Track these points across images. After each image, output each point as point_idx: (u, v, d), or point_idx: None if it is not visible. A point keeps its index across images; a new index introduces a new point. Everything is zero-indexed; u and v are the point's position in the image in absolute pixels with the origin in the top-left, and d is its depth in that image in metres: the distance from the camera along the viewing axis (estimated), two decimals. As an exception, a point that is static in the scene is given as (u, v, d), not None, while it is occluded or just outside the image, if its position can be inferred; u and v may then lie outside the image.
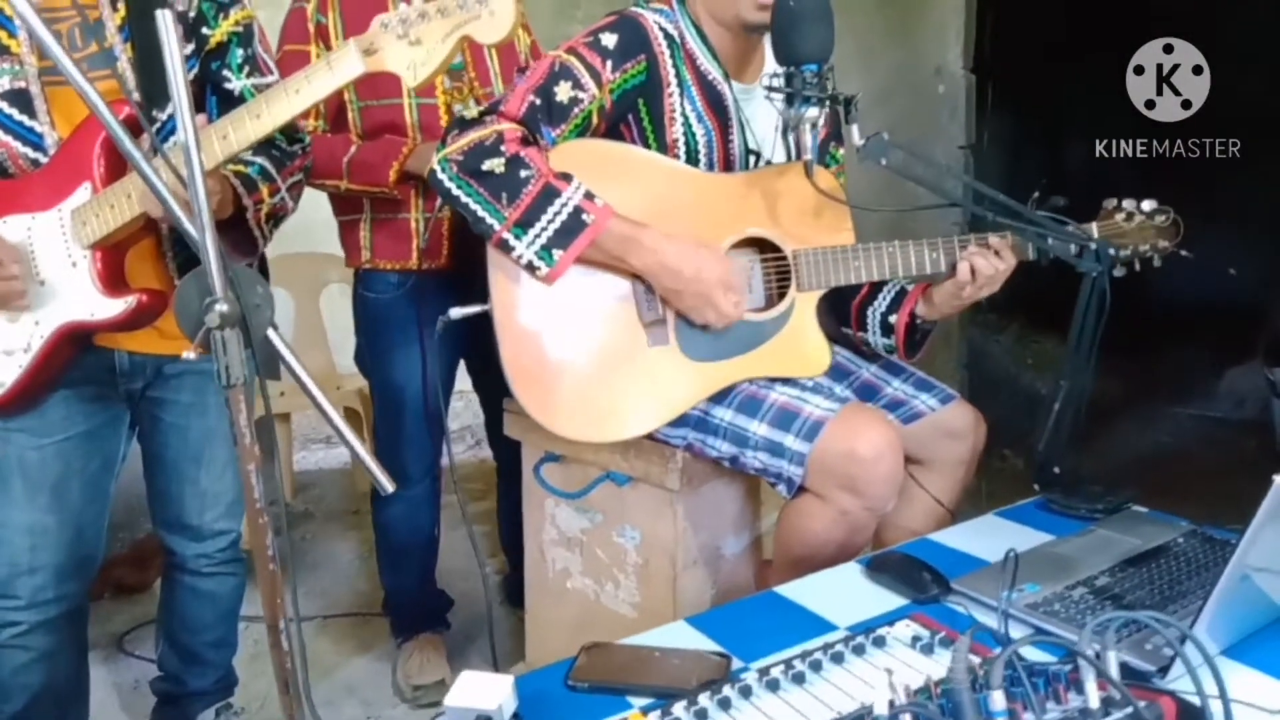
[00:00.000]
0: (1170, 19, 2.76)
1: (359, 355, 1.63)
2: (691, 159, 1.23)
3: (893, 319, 1.29)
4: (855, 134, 1.11)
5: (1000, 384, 2.47)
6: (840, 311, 1.33)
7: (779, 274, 1.23)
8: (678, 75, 1.22)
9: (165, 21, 0.70)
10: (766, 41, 1.20)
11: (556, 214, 1.11)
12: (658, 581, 1.27)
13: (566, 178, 1.13)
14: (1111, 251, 1.14)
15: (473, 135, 1.11)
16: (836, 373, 1.33)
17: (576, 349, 1.18)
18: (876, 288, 1.30)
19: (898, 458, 1.12)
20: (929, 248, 1.19)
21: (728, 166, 1.25)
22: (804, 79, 1.07)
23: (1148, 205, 1.22)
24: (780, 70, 1.10)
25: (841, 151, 1.39)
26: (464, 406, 2.62)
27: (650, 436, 1.23)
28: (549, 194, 1.10)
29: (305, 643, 0.79)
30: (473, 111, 1.14)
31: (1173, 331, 2.72)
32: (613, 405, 1.18)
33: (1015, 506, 1.22)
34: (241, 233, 1.09)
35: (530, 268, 1.13)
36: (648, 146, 1.23)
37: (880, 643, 0.83)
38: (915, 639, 0.83)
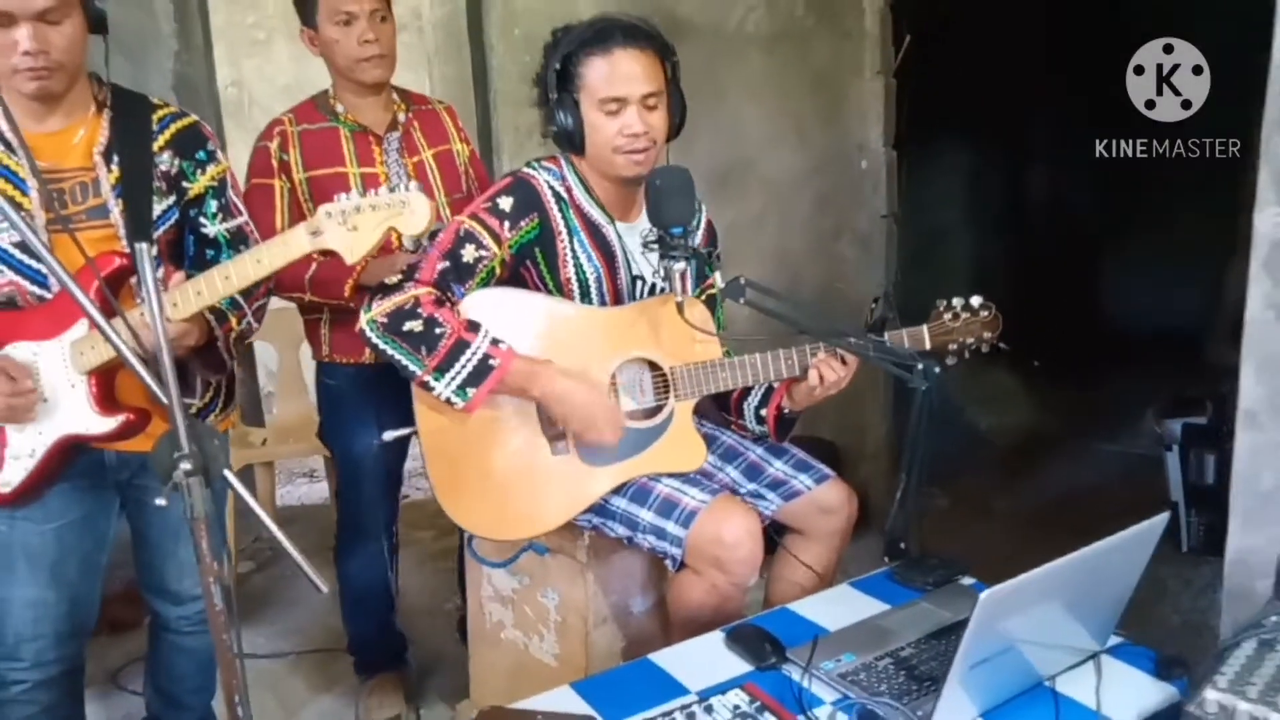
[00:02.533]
0: (1058, 94, 2.98)
1: (322, 429, 1.79)
2: (584, 293, 1.37)
3: (764, 412, 1.43)
4: (718, 279, 1.32)
5: (933, 419, 2.68)
6: (724, 404, 1.50)
7: (663, 384, 1.38)
8: (567, 224, 1.35)
9: (143, 255, 0.90)
10: None
11: (468, 361, 1.25)
12: (573, 637, 1.43)
13: (475, 328, 1.27)
14: (937, 367, 1.33)
15: (395, 299, 1.26)
16: (727, 454, 1.50)
17: (491, 462, 1.32)
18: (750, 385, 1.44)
19: (757, 544, 1.28)
20: (784, 358, 1.34)
21: (617, 295, 1.40)
22: (671, 239, 1.27)
23: (975, 301, 1.37)
24: (653, 232, 1.30)
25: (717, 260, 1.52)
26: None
27: (560, 520, 1.41)
28: (460, 346, 1.25)
29: (278, 679, 0.96)
30: (394, 279, 1.29)
31: (1111, 364, 2.91)
32: (525, 507, 1.33)
33: (868, 577, 1.39)
34: (213, 355, 1.28)
35: (449, 402, 1.27)
36: (545, 286, 1.37)
37: (710, 710, 1.01)
38: (736, 707, 1.02)
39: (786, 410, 1.43)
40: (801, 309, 1.37)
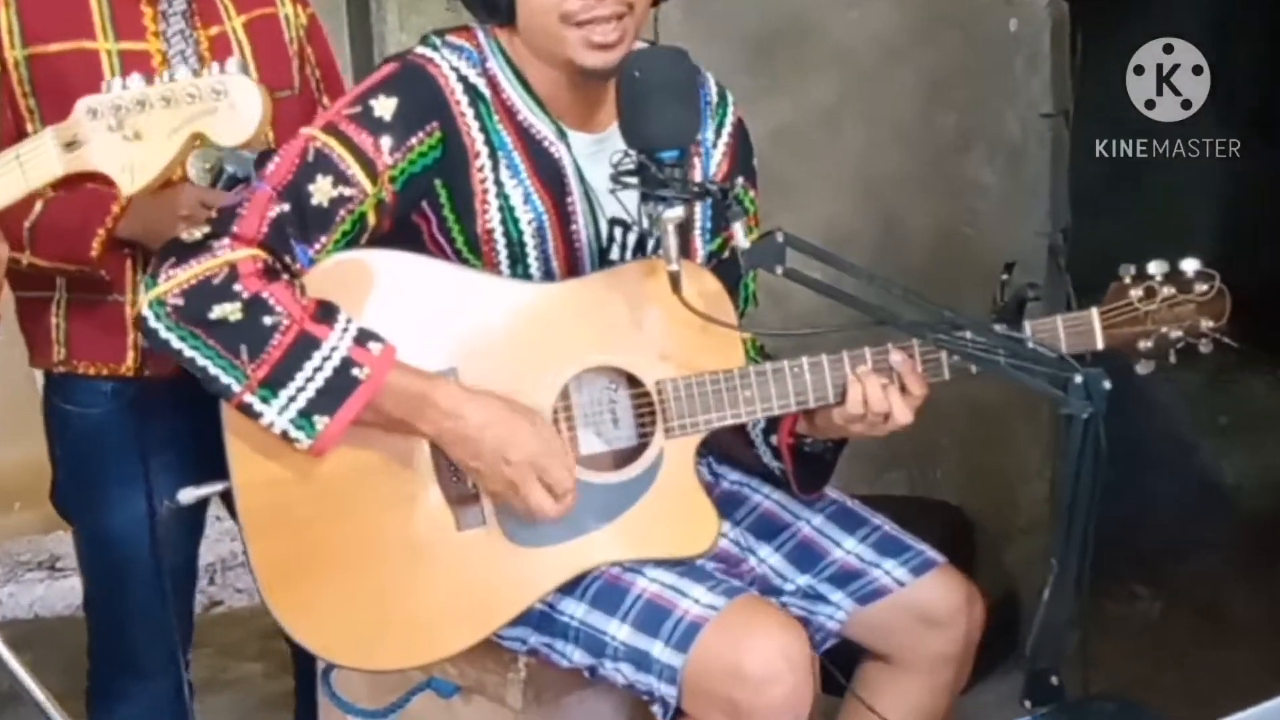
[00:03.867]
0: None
1: (57, 493, 1.75)
2: (517, 256, 1.39)
3: (774, 439, 1.45)
4: (739, 233, 1.29)
5: (1148, 466, 2.66)
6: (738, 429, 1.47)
7: (648, 410, 1.38)
8: (489, 140, 1.37)
9: None
10: None
11: (317, 370, 1.25)
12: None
13: (330, 315, 1.27)
14: (1107, 383, 1.30)
15: (195, 269, 1.24)
16: (762, 525, 1.51)
17: (357, 542, 1.33)
18: None
19: (802, 679, 1.28)
20: (838, 364, 1.35)
21: (571, 259, 1.42)
22: (660, 169, 1.24)
23: (1188, 267, 1.38)
24: (630, 155, 1.27)
25: (752, 194, 1.57)
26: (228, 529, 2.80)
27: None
28: (305, 344, 1.25)
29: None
30: (195, 234, 1.28)
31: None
32: (416, 616, 1.33)
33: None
34: None
35: (286, 439, 1.27)
36: (451, 244, 1.38)
37: None
38: None
39: (806, 442, 1.45)
40: (881, 289, 1.37)
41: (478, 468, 1.32)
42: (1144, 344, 1.40)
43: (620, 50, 1.34)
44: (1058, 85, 2.51)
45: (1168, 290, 1.39)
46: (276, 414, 1.27)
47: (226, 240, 1.28)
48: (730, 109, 1.56)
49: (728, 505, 1.53)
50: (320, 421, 1.27)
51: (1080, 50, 2.55)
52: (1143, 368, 1.42)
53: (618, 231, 1.46)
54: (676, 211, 1.27)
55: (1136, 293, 1.39)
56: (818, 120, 2.49)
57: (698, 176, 1.47)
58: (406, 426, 1.32)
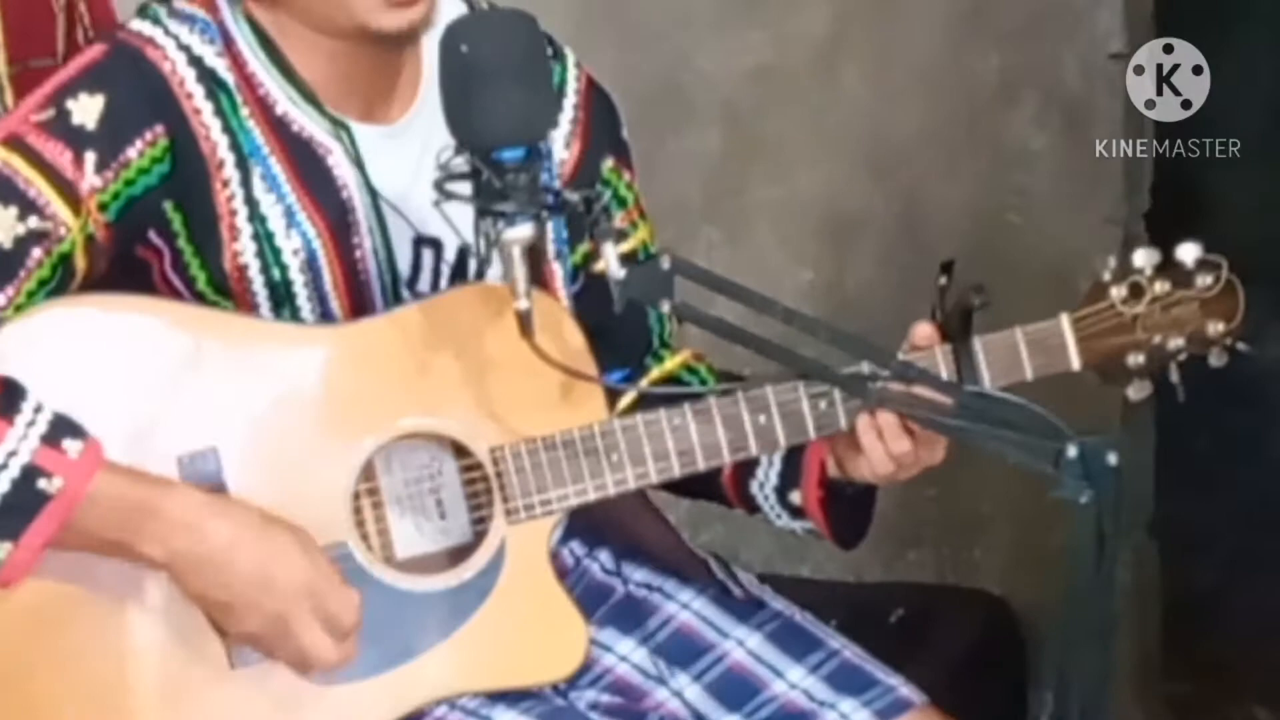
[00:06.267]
0: None
1: None
2: (280, 297, 1.41)
3: (794, 495, 1.50)
4: (612, 259, 1.30)
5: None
6: (709, 484, 1.54)
7: (483, 487, 1.41)
8: (236, 144, 1.39)
9: None
10: (427, 48, 1.39)
11: None
12: None
13: (11, 404, 1.26)
14: (1112, 455, 1.32)
15: None
16: (681, 648, 1.52)
17: (92, 694, 1.34)
18: None
19: None
20: (812, 400, 1.41)
21: (356, 297, 1.44)
22: (498, 176, 1.26)
23: (1187, 255, 1.41)
24: (458, 158, 1.27)
25: (628, 177, 1.60)
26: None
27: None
28: None
29: None
30: None
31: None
32: None
33: None
34: None
35: None
36: (192, 285, 1.39)
37: None
38: None
39: (840, 486, 1.50)
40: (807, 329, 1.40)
41: (226, 601, 1.33)
42: (1133, 359, 1.42)
43: (424, 5, 1.37)
44: (1133, 12, 2.56)
45: (1160, 286, 1.41)
46: None
47: None
48: (571, 69, 1.57)
49: (632, 616, 1.56)
50: (1, 548, 1.28)
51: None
52: (1135, 391, 1.44)
53: (427, 255, 1.49)
54: (523, 230, 1.29)
55: (1119, 292, 1.41)
56: (808, 60, 2.53)
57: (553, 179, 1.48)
58: (124, 550, 1.31)
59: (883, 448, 1.40)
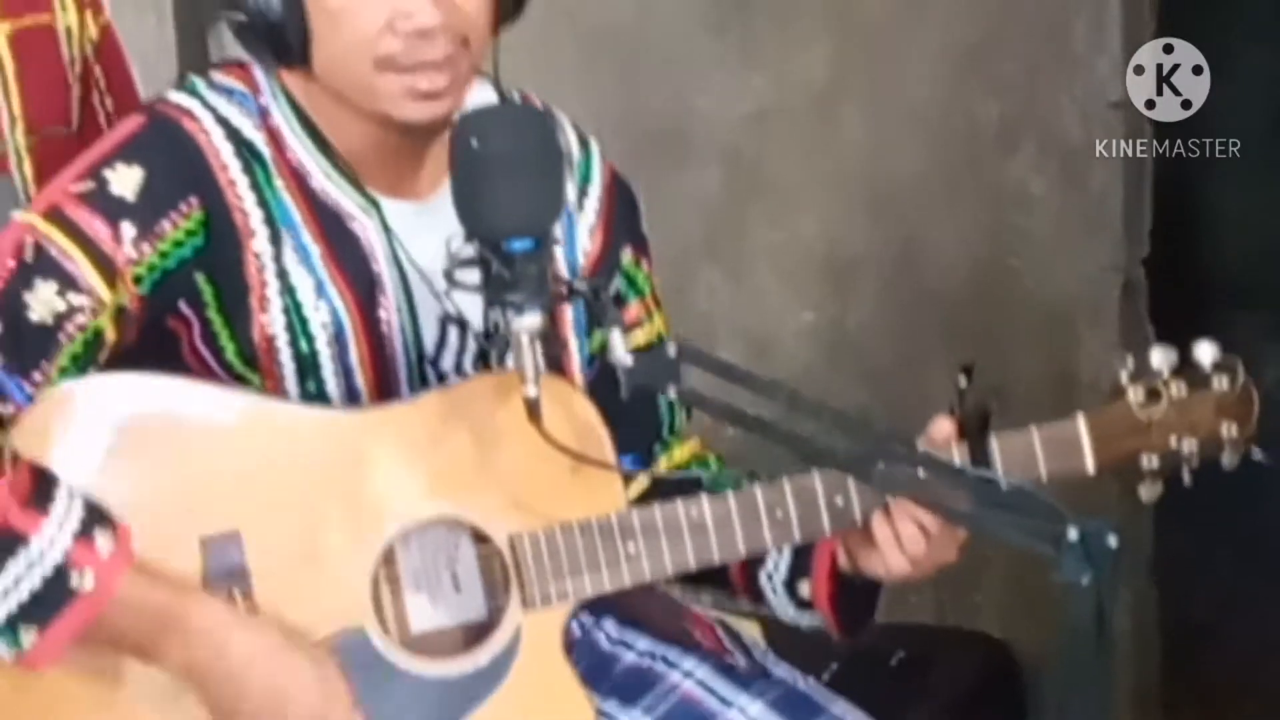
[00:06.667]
0: None
1: None
2: (306, 367, 1.42)
3: (803, 587, 1.51)
4: (618, 345, 1.31)
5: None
6: (709, 574, 1.53)
7: (501, 572, 1.42)
8: (269, 217, 1.41)
9: None
10: None
11: (19, 578, 1.26)
12: None
13: (45, 498, 1.26)
14: (1113, 535, 1.33)
15: None
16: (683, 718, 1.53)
17: None
18: None
19: None
20: (829, 497, 1.41)
21: (382, 372, 1.45)
22: (506, 266, 1.27)
23: (1204, 354, 1.42)
24: (469, 248, 1.28)
25: (646, 269, 1.63)
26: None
27: None
28: (5, 544, 1.25)
29: None
30: None
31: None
32: None
33: None
34: None
35: None
36: (220, 356, 1.40)
37: None
38: None
39: (849, 579, 1.50)
40: (811, 415, 1.41)
41: (236, 711, 1.34)
42: (1147, 461, 1.43)
43: (450, 99, 1.38)
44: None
45: (1177, 390, 1.42)
46: None
47: None
48: (596, 160, 1.59)
49: (633, 688, 1.55)
50: (27, 635, 1.28)
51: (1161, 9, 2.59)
52: (1147, 491, 1.44)
53: (452, 333, 1.50)
54: (532, 319, 1.29)
55: (1136, 396, 1.42)
56: (808, 102, 2.54)
57: (562, 262, 1.49)
58: (144, 652, 1.32)
59: (898, 546, 1.42)
